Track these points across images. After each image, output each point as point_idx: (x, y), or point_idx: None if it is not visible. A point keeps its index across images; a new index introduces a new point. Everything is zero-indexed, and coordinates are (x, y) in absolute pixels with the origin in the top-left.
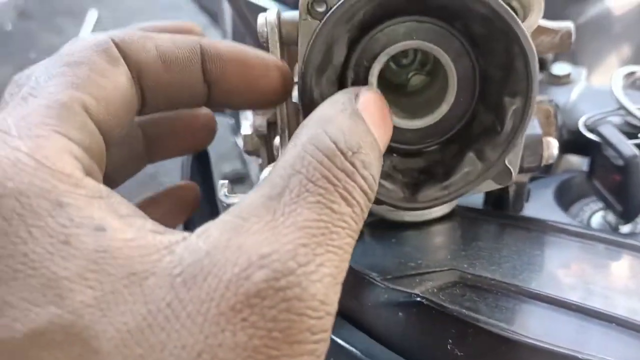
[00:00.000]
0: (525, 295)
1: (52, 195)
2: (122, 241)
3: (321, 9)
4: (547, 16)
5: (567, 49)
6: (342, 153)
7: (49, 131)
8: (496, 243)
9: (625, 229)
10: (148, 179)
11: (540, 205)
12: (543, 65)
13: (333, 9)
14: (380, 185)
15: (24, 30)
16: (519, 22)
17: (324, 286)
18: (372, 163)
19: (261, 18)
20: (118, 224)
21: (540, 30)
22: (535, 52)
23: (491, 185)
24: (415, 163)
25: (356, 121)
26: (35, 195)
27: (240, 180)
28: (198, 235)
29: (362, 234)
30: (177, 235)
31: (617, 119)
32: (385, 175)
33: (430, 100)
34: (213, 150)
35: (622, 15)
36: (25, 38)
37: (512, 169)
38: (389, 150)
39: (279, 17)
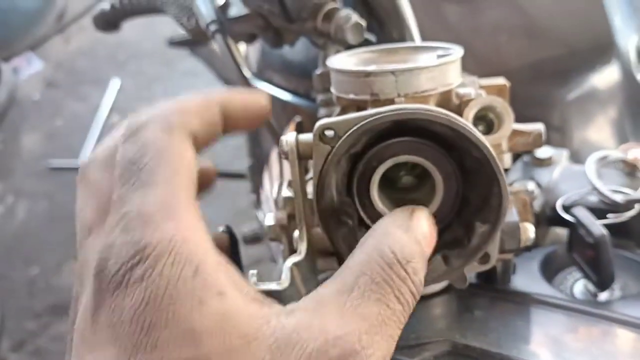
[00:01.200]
0: None
1: (193, 263)
2: (236, 306)
3: (330, 134)
4: (534, 99)
5: (539, 146)
6: (399, 262)
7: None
8: (486, 314)
9: (602, 296)
10: None
11: (527, 276)
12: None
13: (339, 142)
14: None
15: (51, 98)
16: (503, 173)
17: None
18: (419, 270)
19: (283, 140)
20: (233, 290)
21: (515, 133)
22: (508, 195)
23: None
24: None
25: (410, 236)
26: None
27: (259, 240)
28: (287, 314)
29: None
30: (273, 308)
31: (593, 198)
32: None
33: (416, 201)
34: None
35: (605, 91)
36: (52, 106)
37: (466, 276)
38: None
39: (297, 140)
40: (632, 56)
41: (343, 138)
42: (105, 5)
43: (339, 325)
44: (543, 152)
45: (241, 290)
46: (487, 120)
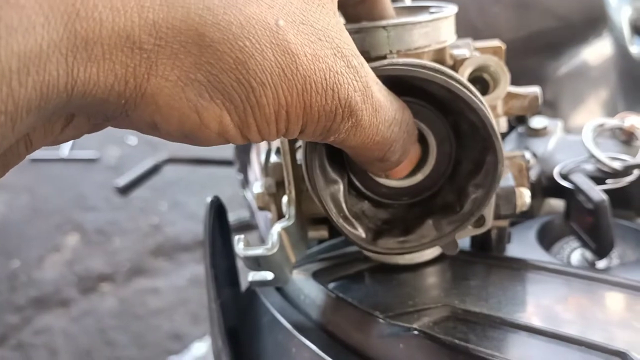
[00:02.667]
0: (508, 326)
1: None
2: None
3: None
4: (526, 72)
5: (535, 111)
6: None
7: None
8: (483, 281)
9: (601, 264)
10: (152, 230)
11: (524, 245)
12: (522, 119)
13: None
14: (350, 223)
15: None
16: (499, 137)
17: None
18: None
19: None
20: None
21: (510, 96)
22: (504, 159)
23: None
24: (382, 214)
25: None
26: None
27: (245, 228)
28: None
29: (364, 277)
30: None
31: (589, 166)
32: (355, 216)
33: None
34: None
35: (597, 65)
36: None
37: (457, 243)
38: (364, 197)
39: None
40: (625, 29)
41: None
42: None
43: None
44: (538, 122)
45: None
46: (482, 82)
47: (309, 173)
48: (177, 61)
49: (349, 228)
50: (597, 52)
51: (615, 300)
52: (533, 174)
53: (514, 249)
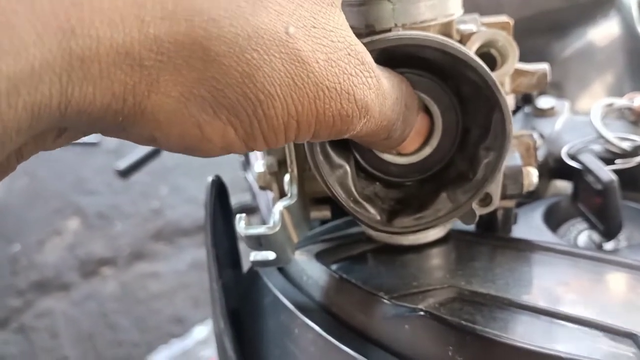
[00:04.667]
0: (516, 307)
1: None
2: None
3: None
4: (532, 53)
5: (543, 88)
6: None
7: None
8: (489, 263)
9: (608, 246)
10: (152, 214)
11: (531, 227)
12: (529, 99)
13: None
14: (362, 206)
15: None
16: (502, 92)
17: None
18: None
19: None
20: None
21: (518, 73)
22: (511, 117)
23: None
24: (395, 194)
25: None
26: None
27: (247, 211)
28: None
29: (367, 258)
30: None
31: (597, 147)
32: (367, 198)
33: None
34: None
35: (604, 46)
36: None
37: (475, 212)
38: (374, 178)
39: None
40: (634, 8)
41: None
42: None
43: None
44: (545, 102)
45: None
46: (489, 58)
47: (312, 161)
48: (180, 77)
49: (361, 211)
50: (604, 32)
51: (623, 282)
52: (540, 155)
53: (520, 230)
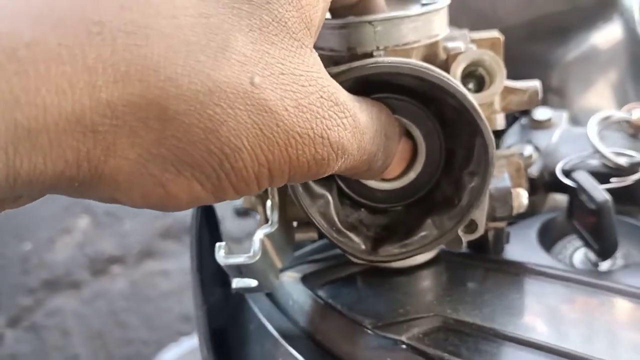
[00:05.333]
0: (502, 338)
1: None
2: None
3: None
4: (533, 59)
5: (535, 105)
6: None
7: None
8: (479, 287)
9: (604, 265)
10: (161, 212)
11: (524, 246)
12: (526, 110)
13: None
14: (345, 236)
15: None
16: (483, 117)
17: None
18: None
19: None
20: None
21: (508, 91)
22: (494, 143)
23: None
24: (381, 220)
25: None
26: None
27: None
28: None
29: (356, 280)
30: None
31: (594, 162)
32: (351, 227)
33: None
34: None
35: (607, 50)
36: None
37: (462, 239)
38: (359, 205)
39: None
40: (637, 13)
41: None
42: None
43: None
44: (541, 113)
45: None
46: (477, 77)
47: (292, 193)
48: (138, 138)
49: (344, 241)
50: (607, 36)
51: (619, 310)
52: (536, 169)
53: (513, 250)
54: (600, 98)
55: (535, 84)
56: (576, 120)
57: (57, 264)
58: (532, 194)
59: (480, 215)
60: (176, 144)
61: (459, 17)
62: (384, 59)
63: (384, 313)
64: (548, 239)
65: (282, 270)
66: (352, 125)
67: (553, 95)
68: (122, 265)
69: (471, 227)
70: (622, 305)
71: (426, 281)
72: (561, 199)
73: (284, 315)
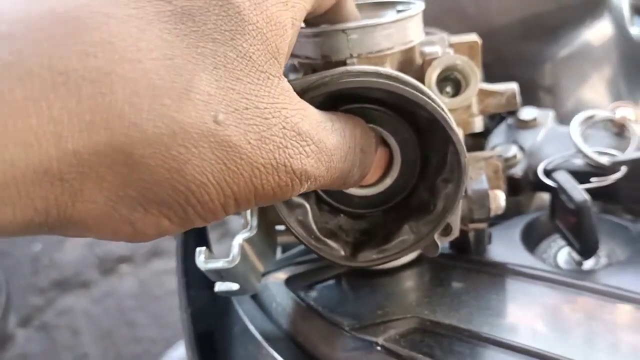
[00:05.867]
0: (477, 339)
1: None
2: None
3: None
4: (523, 57)
5: (514, 108)
6: None
7: None
8: (459, 288)
9: (587, 264)
10: None
11: (507, 246)
12: (512, 111)
13: None
14: (324, 243)
15: None
16: (454, 127)
17: None
18: None
19: None
20: None
21: (486, 94)
22: (465, 151)
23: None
24: (360, 224)
25: None
26: None
27: None
28: None
29: (340, 282)
30: None
31: (578, 161)
32: (330, 233)
33: None
34: None
35: (597, 48)
36: None
37: (439, 243)
38: (338, 211)
39: None
40: (625, 10)
41: None
42: None
43: None
44: (527, 113)
45: None
46: (454, 81)
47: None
48: (105, 183)
49: (323, 248)
50: (597, 33)
51: (600, 312)
52: (520, 169)
53: (496, 250)
54: (593, 95)
55: (512, 86)
56: (569, 118)
57: (66, 264)
58: (517, 193)
59: (455, 219)
60: (143, 185)
61: (449, 17)
62: (353, 68)
63: (363, 314)
64: (532, 238)
65: (267, 273)
66: (315, 151)
67: (545, 93)
68: (131, 265)
69: (446, 230)
70: (602, 306)
71: (408, 282)
72: (547, 197)
73: (268, 318)
